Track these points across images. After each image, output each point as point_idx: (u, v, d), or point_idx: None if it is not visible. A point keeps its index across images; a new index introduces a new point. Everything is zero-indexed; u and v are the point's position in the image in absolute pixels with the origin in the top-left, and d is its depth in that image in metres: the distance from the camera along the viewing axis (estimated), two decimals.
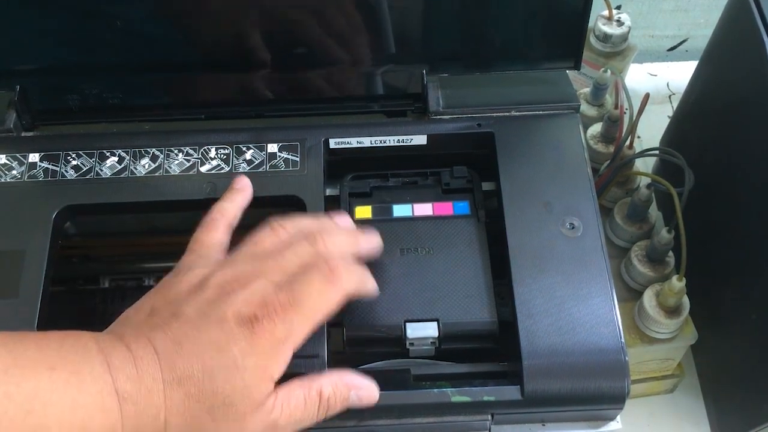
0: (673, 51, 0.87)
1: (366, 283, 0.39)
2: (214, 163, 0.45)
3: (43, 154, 0.44)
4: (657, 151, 0.56)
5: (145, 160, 0.45)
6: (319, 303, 0.36)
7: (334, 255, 0.38)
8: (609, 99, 0.62)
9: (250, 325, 0.34)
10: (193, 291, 0.36)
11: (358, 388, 0.38)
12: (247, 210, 0.42)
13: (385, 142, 0.46)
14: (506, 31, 0.47)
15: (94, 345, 0.33)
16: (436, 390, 0.39)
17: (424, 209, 0.45)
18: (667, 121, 0.71)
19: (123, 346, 0.33)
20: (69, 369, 0.31)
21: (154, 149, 0.45)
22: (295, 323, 0.35)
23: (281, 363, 0.35)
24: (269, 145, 0.45)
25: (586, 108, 0.62)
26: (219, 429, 0.34)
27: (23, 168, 0.44)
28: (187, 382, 0.33)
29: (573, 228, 0.42)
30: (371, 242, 0.41)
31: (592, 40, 0.66)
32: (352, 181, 0.47)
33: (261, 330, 0.34)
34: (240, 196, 0.42)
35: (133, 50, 0.46)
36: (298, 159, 0.45)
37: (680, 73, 0.82)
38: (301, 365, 0.38)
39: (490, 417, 0.40)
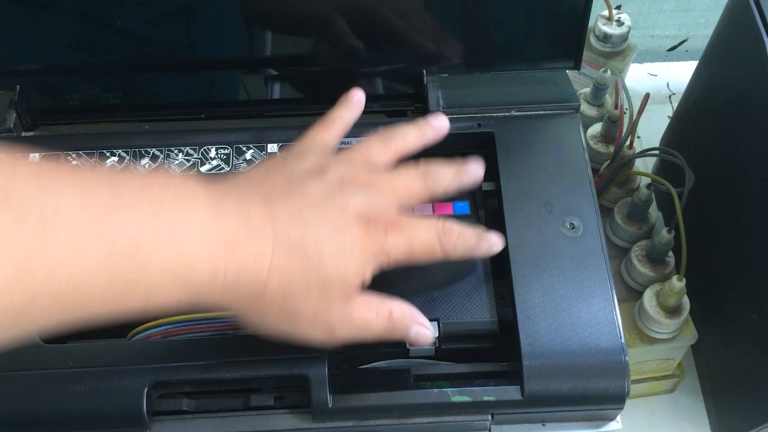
0: (673, 51, 0.87)
1: (475, 248, 0.39)
2: (214, 163, 0.45)
3: (43, 154, 0.44)
4: (657, 151, 0.56)
5: (145, 160, 0.45)
6: (423, 251, 0.37)
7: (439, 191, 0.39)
8: (609, 99, 0.62)
9: (366, 223, 0.35)
10: (313, 174, 0.36)
11: (421, 325, 0.38)
12: None
13: None
14: (506, 31, 0.47)
15: (203, 190, 0.32)
16: (436, 390, 0.39)
17: (424, 209, 0.45)
18: (667, 121, 0.71)
19: (236, 197, 0.33)
20: (175, 209, 0.31)
21: (154, 149, 0.45)
22: (399, 249, 0.36)
23: (372, 270, 0.35)
24: (269, 145, 0.45)
25: (586, 108, 0.62)
26: (308, 306, 0.34)
27: None
28: (298, 252, 0.33)
29: (573, 228, 0.42)
30: (476, 173, 0.41)
31: (592, 40, 0.66)
32: None
33: (375, 232, 0.35)
34: (356, 108, 0.43)
35: (133, 50, 0.46)
36: None
37: (680, 73, 0.82)
38: (301, 365, 0.38)
39: (490, 417, 0.40)
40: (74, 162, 0.44)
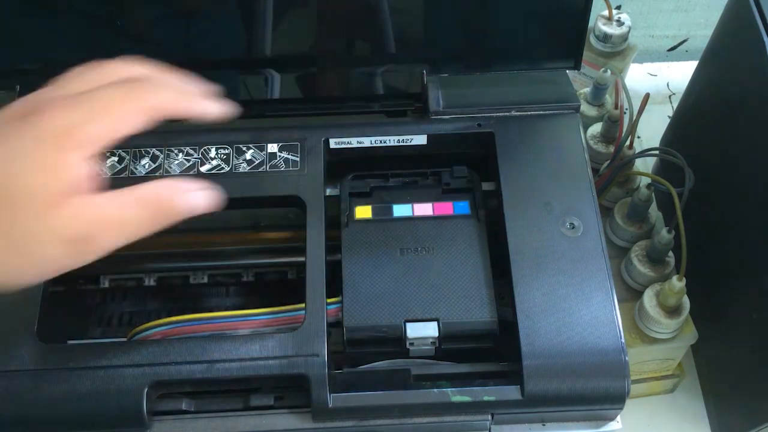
0: (673, 51, 0.87)
1: (176, 102, 0.33)
2: (214, 163, 0.45)
3: None
4: (657, 151, 0.56)
5: (145, 160, 0.45)
6: (122, 107, 0.32)
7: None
8: (609, 99, 0.62)
9: (33, 117, 0.31)
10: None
11: (189, 191, 0.33)
12: (246, 212, 0.42)
13: (385, 142, 0.46)
14: (506, 31, 0.47)
15: None
16: (436, 390, 0.39)
17: (424, 209, 0.45)
18: (667, 121, 0.71)
19: None
20: None
21: (154, 149, 0.45)
22: (87, 118, 0.31)
23: (79, 163, 0.31)
24: (269, 145, 0.45)
25: (586, 108, 0.62)
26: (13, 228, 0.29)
27: None
28: None
29: (573, 228, 0.42)
30: (210, 109, 0.35)
31: (592, 40, 0.66)
32: (353, 181, 0.47)
33: (44, 120, 0.30)
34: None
35: (133, 50, 0.46)
36: (298, 159, 0.45)
37: (680, 73, 0.82)
38: (301, 365, 0.38)
39: (490, 417, 0.40)
40: None
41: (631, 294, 0.55)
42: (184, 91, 0.34)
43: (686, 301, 0.52)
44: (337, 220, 0.45)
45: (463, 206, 0.45)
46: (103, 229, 0.31)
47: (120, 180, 0.44)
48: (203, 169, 0.44)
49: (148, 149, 0.45)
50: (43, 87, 0.34)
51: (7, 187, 0.30)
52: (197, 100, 0.35)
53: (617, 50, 0.66)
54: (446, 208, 0.45)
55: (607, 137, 0.59)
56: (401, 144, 0.46)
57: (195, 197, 0.33)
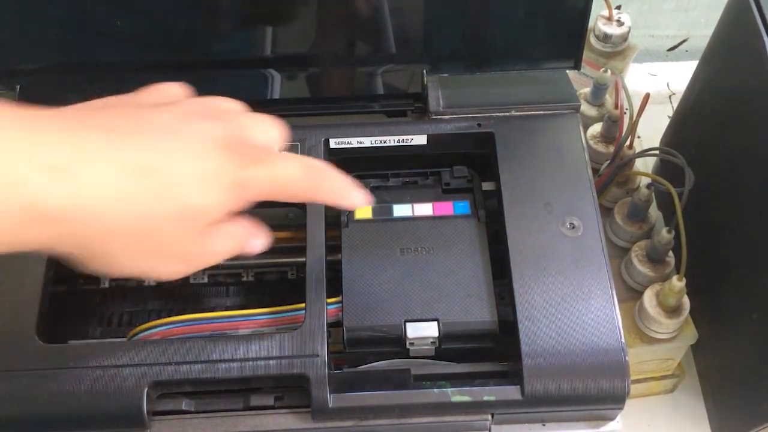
0: (673, 51, 0.87)
1: (341, 197, 0.36)
2: None
3: None
4: (657, 151, 0.56)
5: None
6: (289, 187, 0.34)
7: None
8: (609, 99, 0.62)
9: (224, 152, 0.31)
10: (160, 106, 0.33)
11: (256, 237, 0.35)
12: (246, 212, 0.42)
13: (385, 142, 0.46)
14: (506, 31, 0.47)
15: (10, 113, 0.28)
16: (436, 390, 0.39)
17: (424, 209, 0.45)
18: (667, 121, 0.71)
19: (58, 123, 0.29)
20: None
21: None
22: (262, 180, 0.33)
23: (236, 202, 0.32)
24: None
25: (586, 108, 0.62)
26: (166, 239, 0.30)
27: None
28: (151, 179, 0.29)
29: (573, 228, 0.42)
30: (359, 201, 0.37)
31: (592, 40, 0.66)
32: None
33: (235, 162, 0.31)
34: None
35: (133, 50, 0.46)
36: None
37: (680, 73, 0.81)
38: (301, 365, 0.38)
39: (490, 417, 0.40)
40: None
41: (631, 294, 0.55)
42: (345, 184, 0.36)
43: (686, 301, 0.52)
44: (337, 220, 0.45)
45: (463, 206, 0.45)
46: (210, 261, 0.33)
47: None
48: None
49: None
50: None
51: (186, 207, 0.30)
52: (353, 193, 0.36)
53: (617, 50, 0.66)
54: (446, 208, 0.45)
55: (607, 137, 0.59)
56: (401, 144, 0.46)
57: (258, 245, 0.35)
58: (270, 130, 0.36)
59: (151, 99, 0.34)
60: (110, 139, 0.29)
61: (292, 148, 0.45)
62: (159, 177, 0.29)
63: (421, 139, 0.46)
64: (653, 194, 0.54)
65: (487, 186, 0.46)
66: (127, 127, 0.30)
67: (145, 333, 0.41)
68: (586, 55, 0.65)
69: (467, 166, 0.47)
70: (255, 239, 0.35)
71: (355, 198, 0.36)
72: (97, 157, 0.28)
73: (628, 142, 0.55)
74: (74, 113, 0.31)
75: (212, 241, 0.32)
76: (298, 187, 0.34)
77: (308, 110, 0.48)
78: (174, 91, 0.36)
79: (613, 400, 0.39)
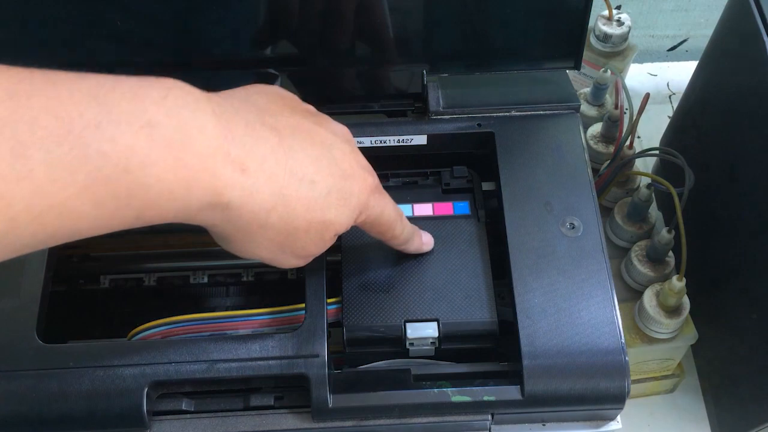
0: (673, 51, 0.87)
1: (412, 242, 0.42)
2: None
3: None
4: (657, 151, 0.56)
5: None
6: (384, 225, 0.38)
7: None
8: (609, 99, 0.62)
9: (366, 176, 0.36)
10: (312, 117, 0.36)
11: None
12: None
13: (385, 142, 0.46)
14: (506, 31, 0.47)
15: (207, 104, 0.30)
16: (436, 390, 0.39)
17: (424, 209, 0.45)
18: (667, 121, 0.71)
19: (243, 121, 0.31)
20: (174, 126, 0.28)
21: None
22: (374, 212, 0.37)
23: (355, 221, 0.37)
24: None
25: (586, 108, 0.62)
26: (300, 243, 0.34)
27: None
28: (308, 189, 0.33)
29: (573, 228, 0.42)
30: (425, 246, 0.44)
31: (592, 40, 0.66)
32: None
33: (368, 189, 0.36)
34: None
35: (133, 49, 0.46)
36: None
37: (680, 73, 0.82)
38: (301, 365, 0.38)
39: (490, 417, 0.40)
40: None
41: (631, 294, 0.55)
42: (428, 239, 0.43)
43: (686, 301, 0.52)
44: None
45: (463, 206, 0.45)
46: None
47: None
48: None
49: None
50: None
51: (325, 221, 0.34)
52: (422, 244, 0.43)
53: (617, 50, 0.66)
54: (446, 208, 0.45)
55: (607, 137, 0.59)
56: (401, 144, 0.46)
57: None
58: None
59: (299, 106, 0.37)
60: (280, 144, 0.32)
61: None
62: (313, 188, 0.33)
63: (421, 139, 0.46)
64: (653, 194, 0.54)
65: (487, 186, 0.46)
66: (288, 132, 0.33)
67: (145, 333, 0.41)
68: (586, 55, 0.65)
69: (467, 166, 0.47)
70: None
71: (422, 244, 0.42)
72: (271, 160, 0.32)
73: (628, 142, 0.55)
74: (249, 112, 0.33)
75: (326, 245, 0.36)
76: (389, 229, 0.39)
77: None
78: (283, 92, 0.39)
79: (613, 400, 0.39)
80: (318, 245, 0.36)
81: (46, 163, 0.26)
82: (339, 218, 0.35)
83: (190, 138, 0.29)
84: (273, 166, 0.32)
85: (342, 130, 0.38)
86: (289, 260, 0.36)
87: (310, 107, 0.38)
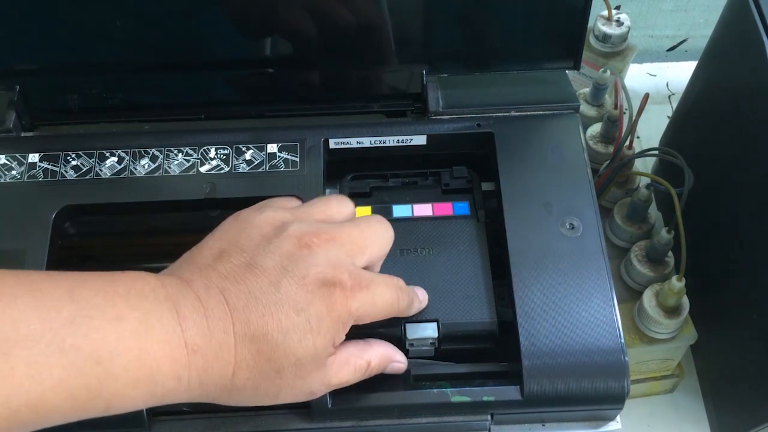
0: (673, 51, 0.87)
1: (416, 305, 0.40)
2: (214, 163, 0.45)
3: (42, 154, 0.44)
4: (657, 151, 0.56)
5: (144, 161, 0.45)
6: (385, 310, 0.37)
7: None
8: (608, 99, 0.62)
9: (330, 290, 0.34)
10: (267, 239, 0.35)
11: (397, 361, 0.39)
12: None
13: (384, 142, 0.46)
14: (506, 31, 0.47)
15: (163, 291, 0.32)
16: (436, 390, 0.39)
17: (423, 210, 0.45)
18: (667, 121, 0.71)
19: (192, 294, 0.33)
20: (137, 318, 0.31)
21: (153, 149, 0.45)
22: (365, 308, 0.35)
23: (345, 332, 0.35)
24: (269, 146, 0.45)
25: (585, 108, 0.62)
26: (283, 385, 0.34)
27: (23, 168, 0.44)
28: (261, 340, 0.32)
29: (573, 228, 0.42)
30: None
31: (592, 40, 0.66)
32: (352, 181, 0.47)
33: (340, 298, 0.34)
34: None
35: (133, 50, 0.46)
36: (297, 159, 0.45)
37: (680, 73, 0.82)
38: None
39: (489, 417, 0.40)
40: (74, 162, 0.44)
41: (630, 294, 0.55)
42: (424, 298, 0.41)
43: (686, 301, 0.52)
44: None
45: (463, 207, 0.45)
46: (338, 386, 0.37)
47: (120, 180, 0.44)
48: (203, 169, 0.44)
49: (147, 149, 0.45)
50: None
51: (296, 352, 0.33)
52: (420, 299, 0.41)
53: (617, 50, 0.66)
54: (446, 208, 0.45)
55: (606, 137, 0.59)
56: (401, 144, 0.46)
57: (398, 369, 0.39)
58: (345, 206, 0.39)
59: (259, 225, 0.36)
60: (231, 307, 0.33)
61: (291, 149, 0.45)
62: (270, 338, 0.33)
63: (420, 140, 0.46)
64: (653, 194, 0.54)
65: (486, 186, 0.46)
66: (240, 288, 0.33)
67: None
68: (586, 55, 0.65)
69: (467, 166, 0.47)
70: (391, 365, 0.39)
71: (421, 304, 0.41)
72: (222, 336, 0.32)
73: (627, 143, 0.55)
74: (200, 274, 0.34)
75: (334, 374, 0.36)
76: (392, 310, 0.37)
77: (308, 110, 0.48)
78: (287, 204, 0.40)
79: (612, 400, 0.39)
80: (309, 378, 0.34)
81: (26, 360, 0.28)
82: (312, 349, 0.33)
83: (152, 328, 0.31)
84: (221, 336, 0.32)
85: (301, 233, 0.35)
86: (290, 399, 0.35)
87: (274, 212, 0.37)
